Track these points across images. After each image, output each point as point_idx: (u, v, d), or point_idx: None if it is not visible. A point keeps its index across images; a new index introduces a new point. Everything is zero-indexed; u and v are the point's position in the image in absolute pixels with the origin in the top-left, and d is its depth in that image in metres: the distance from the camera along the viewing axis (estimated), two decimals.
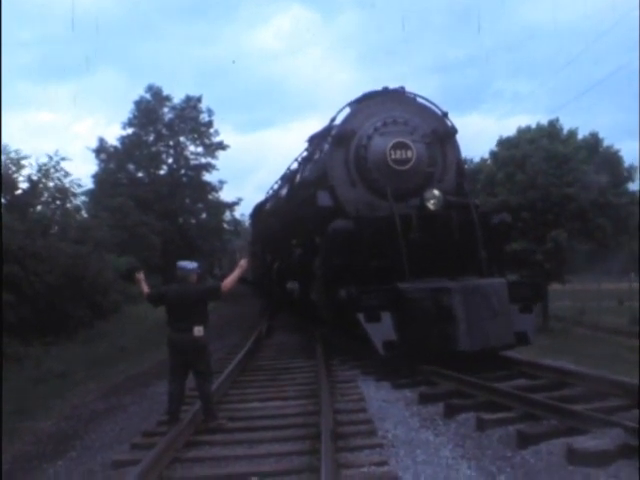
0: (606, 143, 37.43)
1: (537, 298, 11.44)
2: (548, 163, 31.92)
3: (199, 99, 43.54)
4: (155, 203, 39.56)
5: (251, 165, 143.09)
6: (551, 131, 35.07)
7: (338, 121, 13.07)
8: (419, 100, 12.83)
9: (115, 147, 41.92)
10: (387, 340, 9.80)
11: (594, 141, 36.91)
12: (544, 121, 36.28)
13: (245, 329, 18.23)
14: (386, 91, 12.82)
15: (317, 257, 12.47)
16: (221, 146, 44.19)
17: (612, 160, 35.35)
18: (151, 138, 43.20)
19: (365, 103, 12.63)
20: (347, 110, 12.88)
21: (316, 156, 14.45)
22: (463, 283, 10.33)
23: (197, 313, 7.58)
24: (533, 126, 36.43)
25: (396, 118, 12.14)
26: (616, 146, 37.26)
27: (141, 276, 8.11)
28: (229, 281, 7.93)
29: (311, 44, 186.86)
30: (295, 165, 18.49)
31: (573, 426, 6.52)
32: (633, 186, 38.46)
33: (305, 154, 16.67)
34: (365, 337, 10.00)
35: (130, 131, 42.49)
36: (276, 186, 23.91)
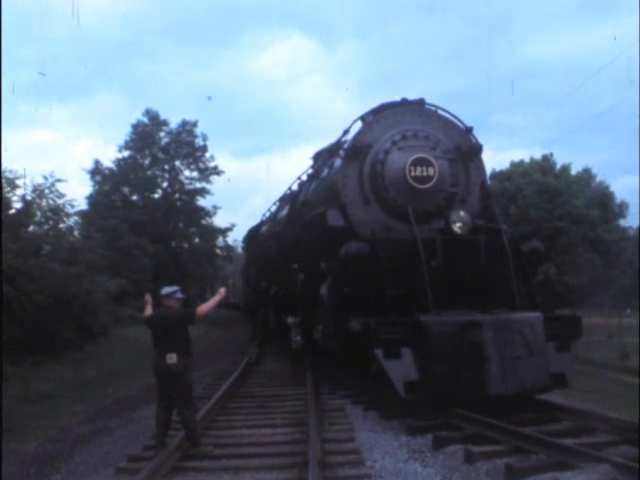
0: (599, 179, 37.82)
1: (576, 334, 10.05)
2: (540, 197, 32.17)
3: (195, 124, 43.81)
4: (148, 226, 39.55)
5: (247, 191, 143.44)
6: (544, 165, 35.39)
7: (351, 134, 11.88)
8: (441, 113, 11.72)
9: (110, 169, 42.00)
10: (408, 380, 8.65)
11: (587, 176, 37.26)
12: (539, 155, 36.65)
13: (235, 355, 18.16)
14: (405, 102, 11.74)
15: (324, 283, 11.24)
16: (216, 171, 44.36)
17: (603, 196, 35.66)
18: (147, 161, 43.35)
19: (382, 114, 11.48)
20: (359, 123, 11.76)
21: (324, 173, 13.26)
22: (495, 317, 9.16)
23: (176, 338, 7.60)
24: (527, 160, 36.76)
25: (416, 132, 11.12)
26: (611, 183, 37.66)
27: (148, 298, 8.19)
28: (205, 306, 8.07)
29: (311, 72, 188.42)
30: (297, 185, 17.37)
31: (561, 461, 6.52)
32: (624, 222, 38.79)
33: (310, 172, 15.55)
34: (381, 376, 8.90)
35: (126, 154, 42.66)
36: (274, 208, 22.67)
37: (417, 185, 10.65)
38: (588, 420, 8.34)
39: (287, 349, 16.31)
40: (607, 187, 37.44)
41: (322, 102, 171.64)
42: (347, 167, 11.15)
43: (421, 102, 11.72)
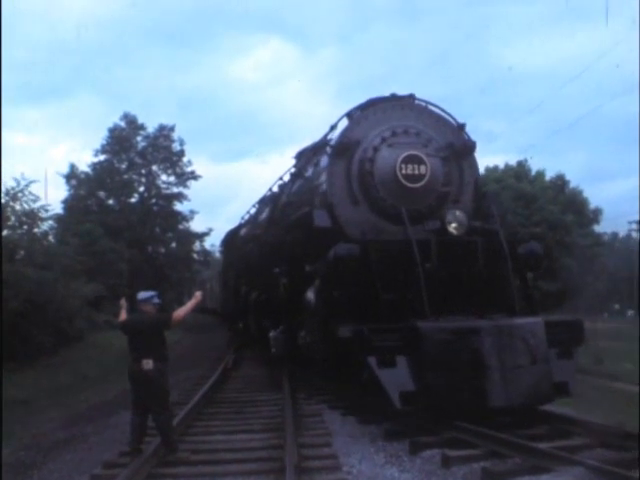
0: (572, 185, 38.23)
1: (579, 340, 9.39)
2: (516, 202, 32.43)
3: (172, 128, 43.75)
4: (125, 231, 39.35)
5: (225, 196, 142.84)
6: (519, 171, 35.69)
7: (338, 131, 11.25)
8: (432, 109, 11.15)
9: (86, 173, 41.69)
10: (404, 390, 8.09)
11: (561, 182, 37.65)
12: (515, 161, 36.96)
13: (212, 360, 18.06)
14: (394, 97, 11.11)
15: (310, 288, 10.70)
16: (193, 176, 44.26)
17: (578, 202, 36.07)
18: (123, 166, 43.10)
19: (371, 110, 10.90)
20: (347, 120, 11.16)
21: (308, 172, 12.56)
22: (496, 322, 8.66)
23: (152, 344, 7.54)
24: (502, 166, 37.08)
25: (407, 128, 10.55)
26: (585, 189, 38.11)
27: (123, 303, 8.12)
28: (181, 311, 8.03)
29: (290, 77, 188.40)
30: (277, 186, 16.66)
31: (537, 464, 6.57)
32: (598, 228, 39.23)
33: (292, 171, 14.82)
34: (373, 385, 8.35)
35: (102, 158, 42.38)
36: (253, 210, 21.89)
37: (408, 184, 10.11)
38: (564, 424, 8.40)
39: (266, 354, 16.22)
40: (581, 193, 37.87)
41: (302, 107, 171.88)
42: (334, 165, 10.61)
43: (411, 97, 11.17)
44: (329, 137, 11.68)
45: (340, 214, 10.35)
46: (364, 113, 10.94)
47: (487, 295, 9.45)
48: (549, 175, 37.78)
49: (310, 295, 10.68)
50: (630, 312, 60.52)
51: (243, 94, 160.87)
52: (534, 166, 37.43)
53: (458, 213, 9.85)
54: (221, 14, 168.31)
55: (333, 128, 11.52)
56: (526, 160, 37.10)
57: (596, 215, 38.40)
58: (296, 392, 11.51)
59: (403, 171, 10.07)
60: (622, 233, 72.76)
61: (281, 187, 15.84)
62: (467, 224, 9.80)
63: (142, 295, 7.94)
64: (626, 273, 61.55)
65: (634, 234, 67.57)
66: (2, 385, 11.21)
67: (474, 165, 11.17)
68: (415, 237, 9.40)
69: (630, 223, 64.99)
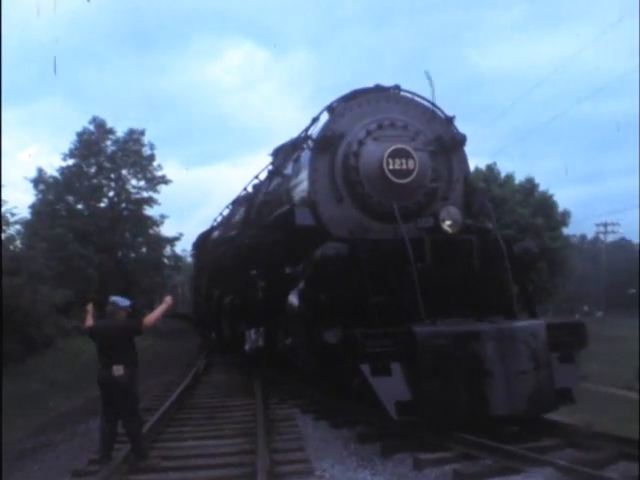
0: (541, 188, 38.66)
1: (581, 343, 8.91)
2: None
3: (142, 132, 43.36)
4: (94, 236, 38.96)
5: (196, 200, 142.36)
6: (488, 175, 36.01)
7: (320, 124, 10.66)
8: (419, 100, 10.62)
9: (55, 178, 41.21)
10: (400, 400, 7.57)
11: (530, 186, 38.05)
12: (485, 164, 37.27)
13: (183, 366, 17.95)
14: (379, 88, 10.55)
15: (292, 291, 10.14)
16: (163, 180, 43.97)
17: (547, 205, 36.48)
18: (92, 170, 42.68)
19: (355, 101, 10.34)
20: (327, 115, 10.60)
21: (287, 169, 11.97)
22: (497, 326, 8.21)
23: (121, 350, 7.47)
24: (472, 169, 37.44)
25: (394, 120, 10.03)
26: (556, 192, 38.55)
27: (90, 308, 8.01)
28: (152, 316, 7.99)
29: (262, 80, 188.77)
30: (252, 186, 16.08)
31: (507, 465, 6.61)
32: (567, 230, 39.72)
33: (269, 169, 14.15)
34: (366, 395, 7.98)
35: (71, 162, 41.92)
36: (227, 211, 21.18)
37: (395, 179, 9.59)
38: (534, 424, 8.45)
39: (240, 358, 16.09)
40: (550, 196, 38.33)
41: (273, 110, 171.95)
42: (317, 160, 10.06)
43: (397, 88, 10.62)
44: (310, 131, 10.96)
45: (323, 212, 9.86)
46: (348, 105, 10.40)
47: (484, 296, 9.03)
48: (518, 179, 38.23)
49: (293, 298, 10.10)
50: (599, 313, 61.43)
51: (215, 97, 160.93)
52: (503, 170, 37.86)
53: (452, 210, 9.34)
54: (192, 17, 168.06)
55: (315, 121, 10.87)
56: (495, 163, 37.51)
57: (564, 218, 38.87)
58: (268, 397, 11.46)
59: (390, 166, 9.56)
60: (590, 235, 73.92)
61: (256, 187, 15.44)
62: (461, 221, 9.32)
63: (119, 301, 7.85)
64: (594, 275, 62.50)
65: (601, 236, 68.73)
66: None
67: (464, 160, 10.69)
68: (407, 235, 8.90)
69: (597, 225, 66.10)
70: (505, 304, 9.00)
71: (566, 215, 38.90)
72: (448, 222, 9.19)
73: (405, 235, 8.83)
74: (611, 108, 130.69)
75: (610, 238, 71.39)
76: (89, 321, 7.90)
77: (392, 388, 7.60)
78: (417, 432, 7.96)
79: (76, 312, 27.60)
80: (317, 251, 8.93)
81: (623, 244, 78.28)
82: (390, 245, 9.04)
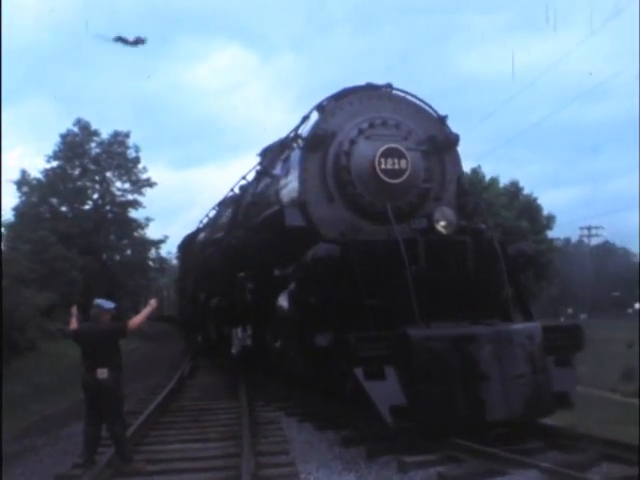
0: (526, 192, 38.91)
1: (577, 346, 8.74)
2: None
3: (127, 134, 43.30)
4: (78, 238, 38.74)
5: (182, 203, 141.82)
6: (472, 178, 36.18)
7: (310, 123, 10.43)
8: (411, 99, 10.40)
9: (38, 180, 40.97)
10: (395, 404, 7.41)
11: (514, 189, 38.28)
12: (470, 168, 37.40)
13: (168, 369, 17.88)
14: (371, 86, 10.40)
15: (282, 293, 9.88)
16: (148, 183, 43.87)
17: (532, 208, 36.71)
18: (76, 172, 42.49)
19: (346, 99, 10.14)
20: (315, 114, 10.40)
21: (276, 169, 11.66)
22: (493, 328, 8.08)
23: (106, 353, 7.43)
24: None
25: (386, 119, 9.84)
26: (540, 195, 38.81)
27: (74, 311, 7.94)
28: (137, 319, 7.99)
29: (248, 83, 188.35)
30: (238, 188, 15.78)
31: (492, 468, 6.64)
32: (551, 234, 39.99)
33: (257, 170, 13.70)
34: (359, 399, 7.77)
35: (55, 164, 41.70)
36: (213, 213, 20.90)
37: (388, 179, 9.37)
38: (519, 428, 8.47)
39: (227, 361, 16.01)
40: (535, 200, 38.57)
41: (260, 113, 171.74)
42: (307, 159, 9.82)
43: (388, 86, 10.43)
44: (300, 131, 10.75)
45: (314, 212, 9.60)
46: (339, 103, 10.16)
47: (478, 299, 8.88)
48: (503, 182, 38.43)
49: (283, 301, 9.84)
50: (583, 316, 61.85)
51: (201, 100, 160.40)
52: (488, 173, 38.05)
53: (447, 211, 9.16)
54: (179, 19, 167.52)
55: (305, 119, 10.63)
56: (479, 167, 37.68)
57: (549, 221, 39.13)
58: (253, 399, 11.44)
59: (382, 165, 9.35)
60: (574, 239, 74.41)
61: (243, 188, 15.24)
62: (456, 222, 9.14)
63: (104, 304, 7.80)
64: (578, 278, 62.91)
65: (585, 239, 69.23)
66: None
67: (457, 160, 10.48)
68: (401, 237, 8.72)
69: (581, 229, 66.58)
70: (500, 306, 8.90)
71: (550, 218, 39.17)
72: (442, 223, 9.02)
73: (399, 236, 8.64)
74: (595, 112, 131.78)
75: (594, 241, 71.98)
76: (73, 324, 7.85)
77: (386, 392, 7.45)
78: (402, 435, 7.97)
79: (60, 315, 27.44)
80: (308, 252, 8.74)
81: (607, 247, 78.90)
82: (383, 246, 8.87)
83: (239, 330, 13.26)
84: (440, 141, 10.17)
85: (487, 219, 9.88)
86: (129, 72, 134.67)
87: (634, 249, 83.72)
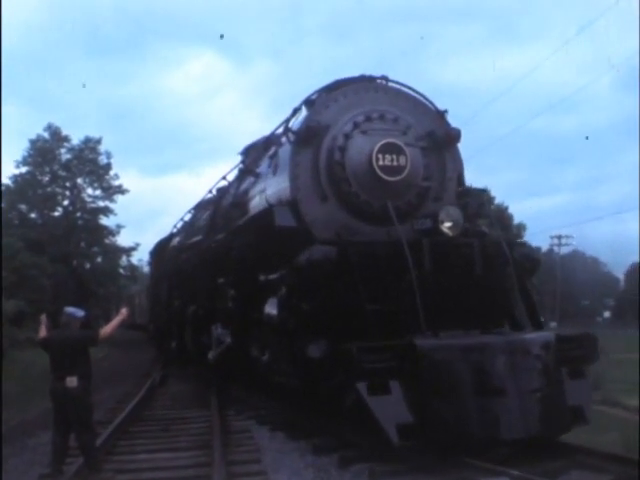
0: (497, 201, 39.36)
1: (592, 357, 8.18)
2: None
3: (98, 141, 43.07)
4: (48, 245, 38.34)
5: (155, 210, 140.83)
6: None
7: (301, 118, 9.72)
8: (409, 92, 9.78)
9: (7, 186, 40.51)
10: (401, 422, 6.81)
11: (486, 198, 38.71)
12: None
13: (139, 377, 17.70)
14: (366, 77, 9.75)
15: (270, 300, 9.09)
16: (120, 190, 43.62)
17: (502, 217, 37.13)
18: (46, 178, 42.10)
19: (340, 91, 9.45)
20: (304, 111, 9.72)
21: (261, 167, 10.97)
22: (507, 338, 7.56)
23: (76, 361, 7.34)
24: None
25: (383, 113, 9.19)
26: (510, 205, 39.35)
27: (43, 319, 7.84)
28: (108, 328, 7.90)
29: (223, 90, 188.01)
30: (218, 189, 15.12)
31: (463, 476, 6.66)
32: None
33: (239, 169, 13.05)
34: (360, 416, 7.17)
35: (24, 170, 41.30)
36: (188, 216, 19.93)
37: (386, 177, 8.70)
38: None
39: (202, 370, 15.77)
40: (506, 208, 39.02)
41: (235, 120, 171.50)
42: (298, 154, 9.10)
43: (384, 78, 9.80)
44: (291, 123, 9.88)
45: (306, 212, 8.91)
46: (332, 95, 9.48)
47: (486, 305, 8.27)
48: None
49: (271, 308, 9.01)
50: (553, 324, 62.43)
51: (175, 107, 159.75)
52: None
53: (452, 210, 8.59)
54: (152, 25, 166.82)
55: (296, 111, 9.83)
56: None
57: (520, 230, 39.60)
58: (225, 408, 11.37)
59: (380, 162, 8.66)
60: (544, 247, 75.27)
61: (222, 189, 14.61)
62: (462, 223, 8.57)
63: (73, 312, 7.71)
64: (549, 286, 63.54)
65: (555, 248, 69.97)
66: None
67: (457, 157, 9.81)
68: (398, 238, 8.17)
69: (552, 238, 67.34)
70: (509, 314, 8.45)
71: (521, 227, 39.64)
72: (448, 224, 8.49)
73: (403, 237, 8.05)
74: (566, 123, 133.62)
75: (564, 250, 72.76)
76: (43, 332, 7.75)
77: (392, 409, 6.85)
78: (373, 443, 7.95)
79: (29, 323, 27.11)
80: (302, 255, 8.09)
81: (576, 256, 79.83)
82: (385, 249, 8.25)
83: (218, 326, 12.14)
84: (440, 137, 9.56)
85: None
86: (102, 77, 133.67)
87: (602, 258, 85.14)
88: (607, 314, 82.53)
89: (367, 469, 7.18)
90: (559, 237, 68.87)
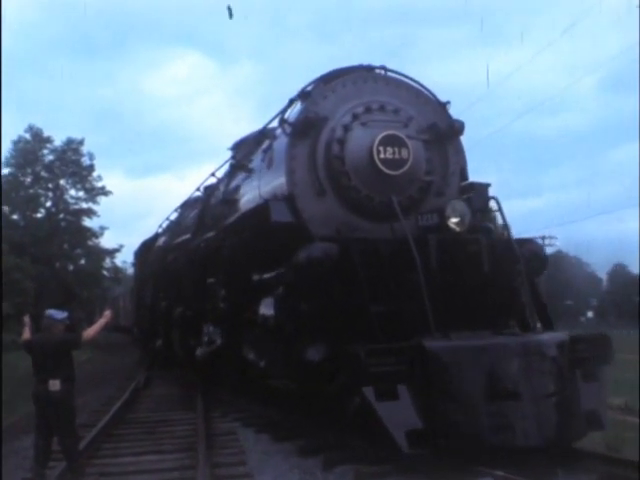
0: None
1: (606, 359, 7.77)
2: None
3: (81, 142, 42.85)
4: (31, 247, 38.08)
5: (139, 211, 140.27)
6: None
7: (296, 110, 9.29)
8: (409, 82, 9.41)
9: None
10: (411, 429, 6.52)
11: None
12: None
13: (123, 380, 17.60)
14: (365, 67, 9.40)
15: (264, 300, 8.79)
16: (103, 191, 43.42)
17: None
18: (28, 180, 41.83)
19: (339, 81, 9.08)
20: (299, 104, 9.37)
21: (254, 162, 10.49)
22: (521, 339, 7.22)
23: (58, 364, 7.25)
24: None
25: (384, 104, 8.82)
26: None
27: (27, 321, 7.74)
28: (91, 330, 7.83)
29: (208, 91, 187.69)
30: (205, 187, 14.71)
31: (445, 476, 6.64)
32: None
33: (230, 165, 12.58)
34: (366, 422, 6.91)
35: (6, 171, 41.02)
36: (175, 216, 19.44)
37: (387, 170, 8.35)
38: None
39: (189, 370, 15.68)
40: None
41: (219, 122, 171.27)
42: (295, 147, 8.72)
43: (383, 68, 9.47)
44: (287, 115, 9.43)
45: (303, 207, 8.49)
46: (330, 85, 9.10)
47: (495, 305, 7.92)
48: None
49: (267, 309, 8.70)
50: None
51: (160, 108, 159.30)
52: None
53: (459, 205, 8.16)
54: (136, 27, 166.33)
55: (292, 102, 9.41)
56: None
57: (503, 231, 39.79)
58: (210, 410, 11.33)
59: (381, 155, 8.31)
60: None
61: (210, 187, 14.23)
62: (470, 218, 8.13)
63: (56, 314, 7.63)
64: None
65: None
66: None
67: (460, 151, 9.44)
68: (402, 235, 7.88)
69: (536, 239, 67.67)
70: (518, 313, 8.18)
71: (505, 228, 39.86)
72: (455, 219, 8.01)
73: (409, 233, 7.70)
74: (548, 125, 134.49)
75: (548, 251, 73.15)
76: (26, 334, 7.67)
77: (400, 415, 6.54)
78: (358, 444, 7.94)
79: (11, 325, 26.87)
80: (301, 253, 7.70)
81: (560, 257, 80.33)
82: (389, 246, 7.94)
83: (210, 325, 11.83)
84: (442, 129, 9.21)
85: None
86: (85, 78, 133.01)
87: (585, 259, 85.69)
88: (590, 314, 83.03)
89: (352, 470, 7.17)
90: (543, 238, 69.26)
